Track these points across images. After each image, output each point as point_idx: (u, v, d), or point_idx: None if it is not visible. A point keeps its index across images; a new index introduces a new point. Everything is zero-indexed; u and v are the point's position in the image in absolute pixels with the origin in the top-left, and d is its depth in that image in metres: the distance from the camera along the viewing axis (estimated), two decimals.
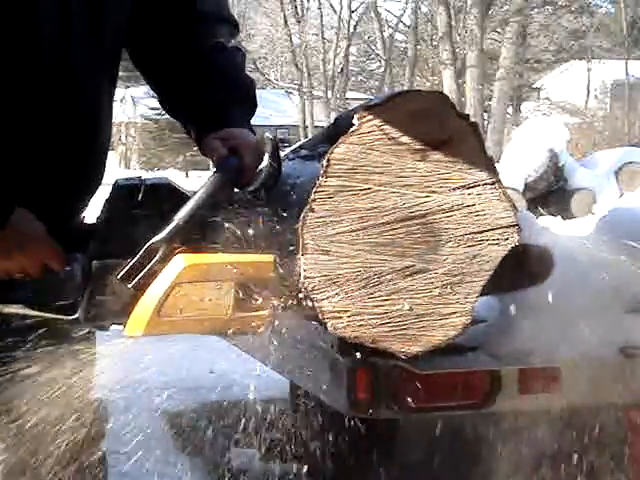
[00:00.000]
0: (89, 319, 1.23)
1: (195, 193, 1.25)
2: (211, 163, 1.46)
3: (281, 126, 35.33)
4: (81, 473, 1.41)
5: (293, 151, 2.44)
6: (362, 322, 1.92)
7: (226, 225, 1.27)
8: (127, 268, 1.21)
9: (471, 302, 1.95)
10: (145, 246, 1.21)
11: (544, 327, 2.12)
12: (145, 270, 1.21)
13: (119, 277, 1.20)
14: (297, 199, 1.93)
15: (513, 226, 1.94)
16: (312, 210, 1.85)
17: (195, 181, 20.98)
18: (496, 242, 1.91)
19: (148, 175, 1.34)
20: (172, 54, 1.51)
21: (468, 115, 1.91)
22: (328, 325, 1.96)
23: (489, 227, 1.90)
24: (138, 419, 3.47)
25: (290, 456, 2.83)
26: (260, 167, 1.36)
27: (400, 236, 1.91)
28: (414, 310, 1.92)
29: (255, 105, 1.57)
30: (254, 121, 1.59)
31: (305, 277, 1.90)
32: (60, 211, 1.34)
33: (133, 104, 28.65)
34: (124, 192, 1.29)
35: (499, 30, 20.95)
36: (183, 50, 1.50)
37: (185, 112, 1.51)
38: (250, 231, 1.32)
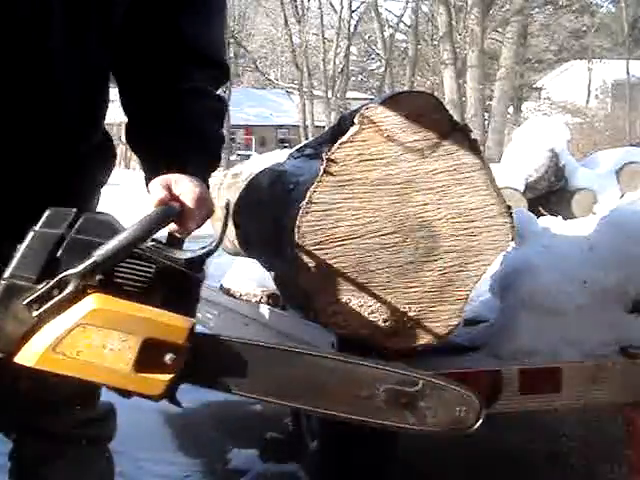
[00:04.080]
0: None
1: (120, 233, 1.19)
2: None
3: (281, 126, 35.34)
4: None
5: (298, 150, 2.44)
6: (357, 319, 1.93)
7: (148, 272, 1.20)
8: (35, 295, 1.16)
9: (462, 303, 1.95)
10: (58, 277, 1.16)
11: (545, 327, 2.12)
12: (53, 301, 1.16)
13: (25, 302, 1.16)
14: (299, 196, 1.93)
15: (507, 231, 1.95)
16: (312, 202, 1.85)
17: None
18: (489, 245, 1.92)
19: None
20: (147, 85, 1.45)
21: (457, 122, 1.91)
22: (324, 321, 1.97)
23: (483, 230, 1.91)
24: (138, 419, 3.48)
25: (290, 456, 2.83)
26: (213, 240, 1.29)
27: (396, 236, 1.91)
28: (407, 309, 1.93)
29: (217, 159, 1.49)
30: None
31: (301, 273, 1.90)
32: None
33: None
34: (59, 216, 1.22)
35: (500, 30, 20.94)
36: (158, 85, 1.44)
37: (142, 148, 1.45)
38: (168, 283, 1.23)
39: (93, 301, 1.16)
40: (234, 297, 2.68)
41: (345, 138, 1.86)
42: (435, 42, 23.27)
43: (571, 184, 4.94)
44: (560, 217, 3.44)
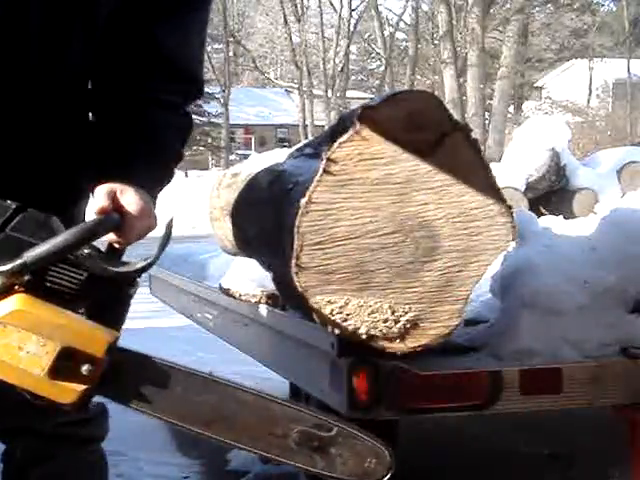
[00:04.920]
0: None
1: (56, 236, 1.18)
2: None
3: (281, 125, 35.36)
4: None
5: (298, 149, 2.43)
6: (357, 319, 1.92)
7: (79, 279, 1.19)
8: None
9: (462, 303, 1.95)
10: None
11: (545, 327, 2.11)
12: None
13: None
14: (298, 196, 1.93)
15: (507, 230, 1.94)
16: (311, 202, 1.85)
17: (194, 181, 20.99)
18: (489, 245, 1.91)
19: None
20: (113, 88, 1.42)
21: (458, 121, 1.90)
22: (324, 321, 1.96)
23: (484, 230, 1.90)
24: (138, 419, 3.46)
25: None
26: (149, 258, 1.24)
27: (396, 236, 1.90)
28: (407, 309, 1.92)
29: (170, 174, 1.45)
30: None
31: (301, 273, 1.89)
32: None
33: None
34: None
35: (500, 29, 20.95)
36: (124, 89, 1.41)
37: (96, 148, 1.41)
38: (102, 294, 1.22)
39: (17, 301, 1.15)
40: (233, 297, 2.67)
41: (345, 138, 1.85)
42: (435, 41, 23.28)
43: (572, 184, 4.93)
44: (561, 217, 3.43)
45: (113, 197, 1.30)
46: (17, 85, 1.35)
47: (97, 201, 1.30)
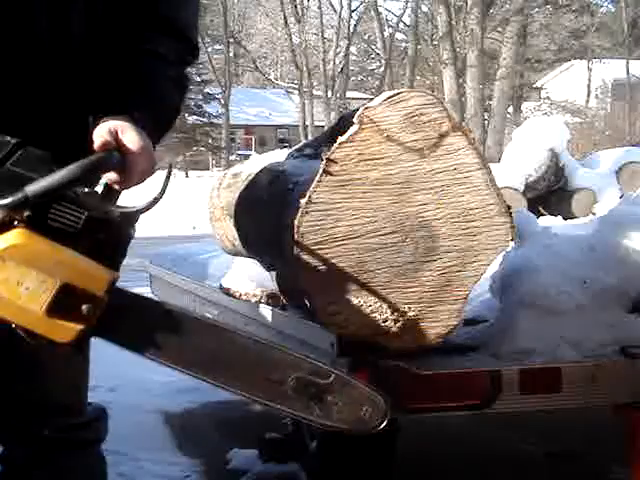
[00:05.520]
0: None
1: (57, 171, 1.15)
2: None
3: (281, 126, 35.34)
4: None
5: (297, 149, 2.44)
6: (357, 319, 1.92)
7: (79, 218, 1.16)
8: None
9: (461, 302, 1.95)
10: None
11: (545, 327, 2.12)
12: None
13: None
14: (299, 196, 1.93)
15: (506, 230, 1.95)
16: (311, 202, 1.85)
17: (195, 181, 20.98)
18: (488, 245, 1.91)
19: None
20: (114, 39, 1.42)
21: (457, 122, 1.91)
22: (324, 321, 1.96)
23: (483, 230, 1.91)
24: (138, 419, 3.47)
25: (290, 456, 2.83)
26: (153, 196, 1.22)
27: (396, 235, 1.91)
28: (407, 309, 1.93)
29: (167, 124, 1.44)
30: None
31: (301, 272, 1.90)
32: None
33: None
34: None
35: (499, 30, 20.96)
36: (124, 40, 1.42)
37: (95, 94, 1.39)
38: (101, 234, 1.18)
39: (17, 236, 1.13)
40: (234, 297, 2.68)
41: (345, 138, 1.85)
42: (435, 42, 23.28)
43: (571, 184, 4.93)
44: (560, 217, 3.44)
45: (114, 135, 1.28)
46: (26, 46, 1.35)
47: (98, 138, 1.28)
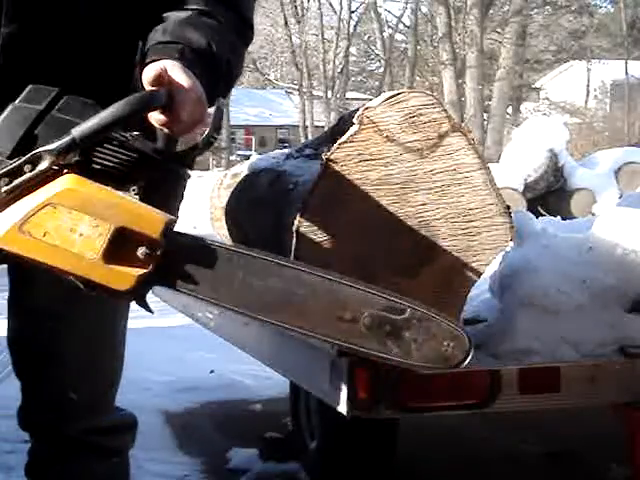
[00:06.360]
0: None
1: (103, 111, 1.09)
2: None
3: (281, 126, 35.33)
4: None
5: (297, 150, 2.44)
6: None
7: (129, 160, 1.10)
8: (6, 169, 1.08)
9: (460, 303, 1.95)
10: (32, 152, 1.08)
11: (544, 327, 2.12)
12: (24, 177, 1.08)
13: None
14: (299, 196, 1.94)
15: (506, 231, 1.95)
16: (311, 202, 1.85)
17: (195, 181, 20.95)
18: (488, 245, 1.92)
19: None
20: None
21: (457, 122, 1.91)
22: None
23: (482, 230, 1.91)
24: (138, 419, 3.47)
25: (290, 456, 2.83)
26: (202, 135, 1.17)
27: (395, 236, 1.91)
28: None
29: (218, 84, 1.33)
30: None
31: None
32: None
33: None
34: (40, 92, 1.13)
35: (499, 30, 20.95)
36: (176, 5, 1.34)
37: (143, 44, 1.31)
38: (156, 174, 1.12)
39: (67, 181, 1.08)
40: None
41: (345, 138, 1.86)
42: (434, 43, 23.27)
43: (570, 184, 4.95)
44: (559, 217, 3.44)
45: (162, 74, 1.20)
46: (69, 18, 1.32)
47: (145, 76, 1.20)
